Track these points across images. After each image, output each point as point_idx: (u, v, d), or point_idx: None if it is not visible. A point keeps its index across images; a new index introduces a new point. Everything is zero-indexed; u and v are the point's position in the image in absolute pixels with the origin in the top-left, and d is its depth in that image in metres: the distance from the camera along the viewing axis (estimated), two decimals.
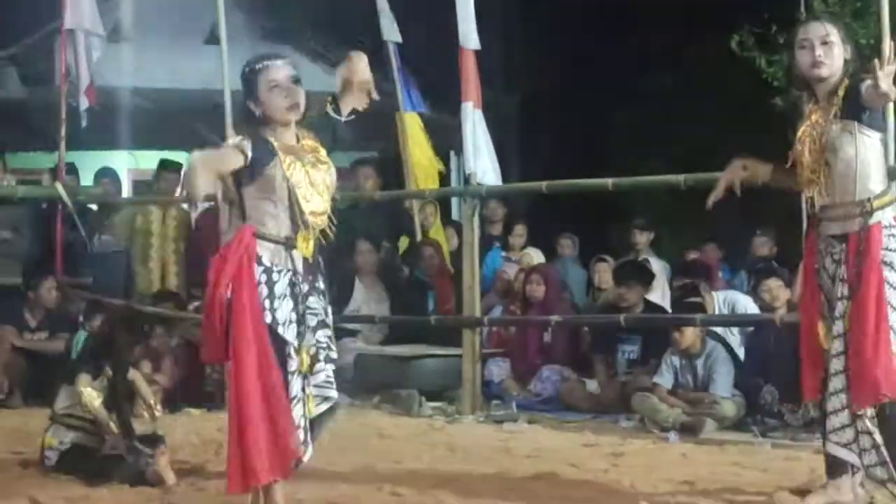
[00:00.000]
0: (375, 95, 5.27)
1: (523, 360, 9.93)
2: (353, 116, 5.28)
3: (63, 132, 11.29)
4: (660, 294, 10.12)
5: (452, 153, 15.56)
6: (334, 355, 5.23)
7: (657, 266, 10.41)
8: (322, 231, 5.20)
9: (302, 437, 5.04)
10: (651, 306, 9.53)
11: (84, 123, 11.20)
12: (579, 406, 9.33)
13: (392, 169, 11.91)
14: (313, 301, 5.12)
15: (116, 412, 6.65)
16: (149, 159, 14.05)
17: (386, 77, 11.81)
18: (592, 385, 9.52)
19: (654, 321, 9.21)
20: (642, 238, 11.14)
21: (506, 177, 10.17)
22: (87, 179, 12.48)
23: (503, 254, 11.47)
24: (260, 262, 4.99)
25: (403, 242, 11.55)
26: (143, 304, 10.29)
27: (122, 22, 14.57)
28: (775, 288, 8.68)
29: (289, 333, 5.01)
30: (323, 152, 5.17)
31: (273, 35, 13.16)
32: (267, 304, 4.97)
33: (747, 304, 9.28)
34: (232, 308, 4.95)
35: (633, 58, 16.91)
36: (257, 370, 4.93)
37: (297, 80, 5.06)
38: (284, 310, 5.00)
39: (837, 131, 5.30)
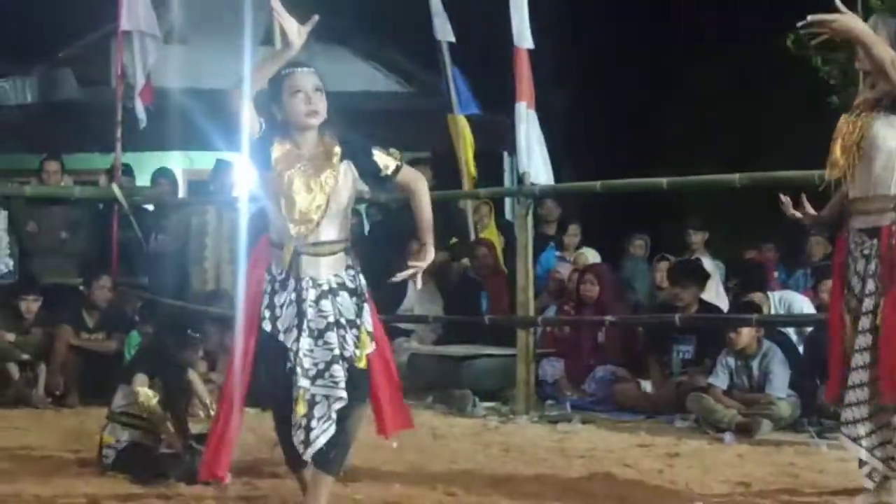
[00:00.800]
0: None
1: (577, 360, 9.91)
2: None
3: (119, 133, 11.38)
4: (714, 294, 10.08)
5: (505, 153, 15.57)
6: (348, 353, 5.22)
7: (711, 266, 10.37)
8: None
9: (302, 436, 5.16)
10: (706, 306, 9.49)
11: (143, 124, 11.27)
12: (633, 406, 9.30)
13: (445, 169, 11.90)
14: (325, 304, 5.19)
15: (172, 412, 6.70)
16: (204, 160, 14.13)
17: (439, 77, 11.85)
18: (647, 385, 9.49)
19: (709, 321, 9.17)
20: (697, 238, 11.09)
21: (558, 176, 10.15)
22: (143, 180, 12.57)
23: (557, 253, 11.44)
24: (269, 271, 5.24)
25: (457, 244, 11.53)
26: (197, 303, 10.35)
27: (177, 24, 14.67)
28: None
29: (289, 339, 5.16)
30: (335, 157, 5.23)
31: (326, 35, 13.19)
32: (268, 313, 5.19)
33: (803, 305, 9.23)
34: (244, 309, 5.27)
35: (687, 55, 16.85)
36: (234, 376, 5.27)
37: (319, 89, 5.18)
38: (287, 317, 5.18)
39: (881, 124, 5.26)
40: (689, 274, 9.66)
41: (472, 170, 11.51)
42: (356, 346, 5.22)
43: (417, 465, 6.86)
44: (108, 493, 6.09)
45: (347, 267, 5.30)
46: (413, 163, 11.99)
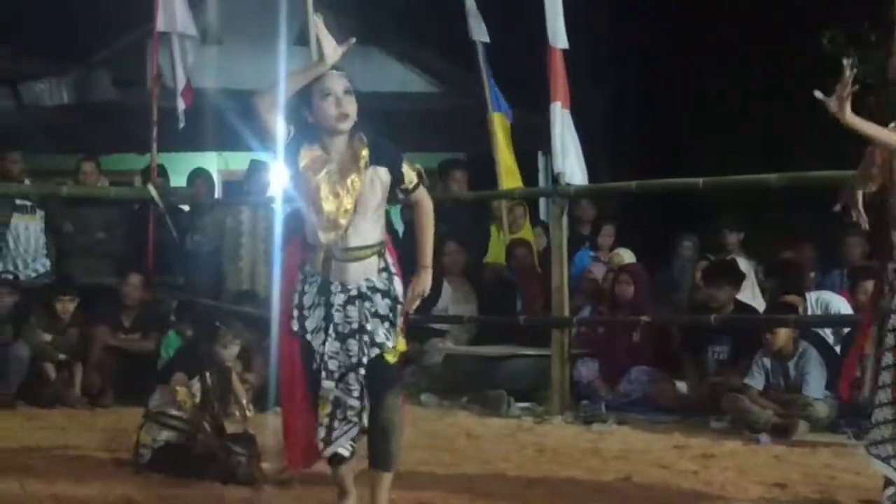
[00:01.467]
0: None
1: (612, 361, 9.88)
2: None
3: (154, 134, 11.42)
4: (750, 294, 10.04)
5: (540, 153, 15.54)
6: (364, 360, 5.18)
7: (746, 266, 10.32)
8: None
9: (323, 434, 5.22)
10: (741, 306, 9.46)
11: (182, 124, 11.31)
12: (669, 407, 9.28)
13: (480, 170, 11.90)
14: (352, 310, 5.18)
15: (209, 411, 6.72)
16: (238, 160, 14.16)
17: (473, 77, 11.84)
18: (682, 386, 9.47)
19: (745, 322, 9.13)
20: (732, 238, 11.03)
21: (592, 176, 10.13)
22: (177, 181, 12.61)
23: (592, 254, 11.42)
24: (302, 270, 5.25)
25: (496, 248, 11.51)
26: (232, 303, 10.38)
27: (212, 24, 14.71)
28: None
29: (316, 341, 5.19)
30: (363, 161, 5.18)
31: (360, 36, 13.19)
32: (296, 313, 5.22)
33: (840, 305, 9.18)
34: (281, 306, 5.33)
35: (722, 54, 16.77)
36: (288, 370, 5.30)
37: (349, 92, 5.16)
38: (315, 318, 5.20)
39: None
40: (724, 274, 9.63)
41: (514, 167, 11.47)
42: (387, 339, 5.18)
43: (452, 465, 6.86)
44: (144, 492, 6.12)
45: (381, 270, 5.24)
46: (448, 165, 12.08)
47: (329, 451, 5.21)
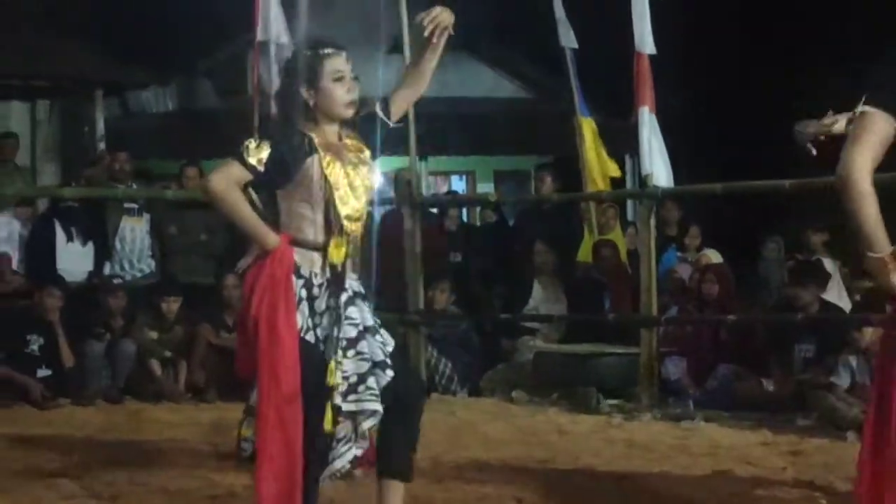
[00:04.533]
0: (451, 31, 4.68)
1: (699, 359, 9.80)
2: (401, 124, 4.81)
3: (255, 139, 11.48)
4: (836, 294, 9.92)
5: (627, 156, 15.46)
6: (387, 360, 4.47)
7: (832, 266, 10.20)
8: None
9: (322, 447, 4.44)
10: (827, 306, 9.34)
11: None
12: (755, 404, 9.18)
13: (569, 172, 11.86)
14: (353, 311, 4.47)
15: None
16: None
17: (562, 83, 11.80)
18: (769, 384, 9.37)
19: (830, 320, 9.02)
20: (817, 238, 10.90)
21: (679, 178, 10.06)
22: None
23: (679, 254, 11.34)
24: (299, 275, 4.40)
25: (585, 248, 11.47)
26: None
27: (309, 33, 14.80)
28: None
29: (328, 349, 4.40)
30: (366, 153, 4.60)
31: (453, 43, 13.22)
32: (309, 322, 4.39)
33: None
34: (263, 324, 4.34)
35: (806, 59, 16.59)
36: (286, 398, 4.30)
37: (357, 78, 4.54)
38: (325, 325, 4.41)
39: None
40: (809, 274, 9.54)
41: (612, 169, 11.36)
42: (383, 353, 4.48)
43: (543, 460, 6.84)
44: (247, 484, 6.14)
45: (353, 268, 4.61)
46: (537, 168, 12.06)
47: (326, 473, 4.50)
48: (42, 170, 14.68)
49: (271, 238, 4.39)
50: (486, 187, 16.78)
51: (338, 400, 4.37)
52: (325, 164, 4.43)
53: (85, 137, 14.75)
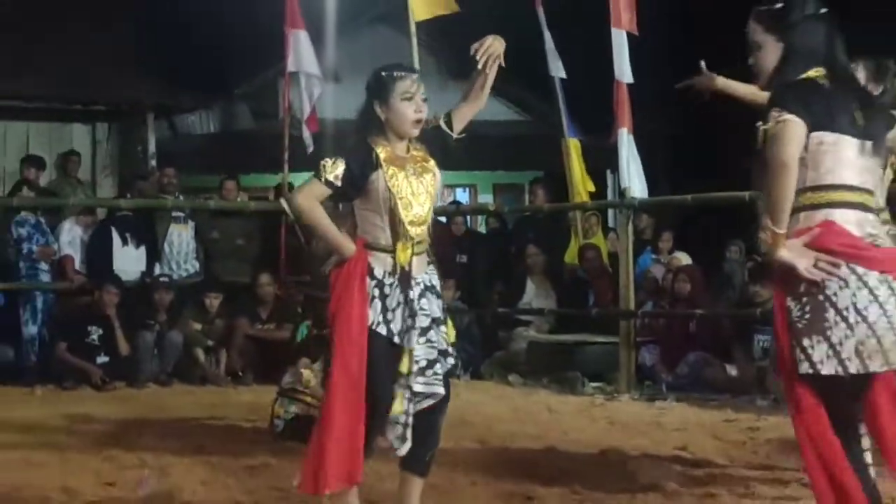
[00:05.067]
0: (502, 62, 4.58)
1: (671, 348, 9.81)
2: (463, 134, 4.68)
3: (286, 157, 11.52)
4: None
5: (608, 171, 15.44)
6: (448, 349, 4.51)
7: None
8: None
9: (399, 432, 4.38)
10: None
11: (311, 149, 11.37)
12: (720, 387, 9.19)
13: (559, 185, 11.88)
14: (424, 303, 4.44)
15: None
16: None
17: (552, 107, 11.82)
18: (732, 369, 9.37)
19: None
20: None
21: (653, 191, 10.09)
22: None
23: (653, 257, 11.35)
24: (372, 276, 4.38)
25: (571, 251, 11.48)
26: None
27: (333, 65, 14.80)
28: None
29: (405, 341, 4.37)
30: (431, 162, 4.55)
31: (457, 74, 13.26)
32: (381, 317, 4.34)
33: None
34: (338, 317, 4.36)
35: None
36: (352, 382, 4.30)
37: (426, 99, 4.47)
38: (398, 319, 4.37)
39: None
40: (767, 274, 9.52)
41: (589, 185, 11.42)
42: (446, 343, 4.52)
43: (536, 435, 6.85)
44: (280, 457, 6.17)
45: (429, 263, 4.58)
46: (531, 182, 12.06)
47: (405, 448, 4.40)
48: (101, 183, 14.69)
49: (349, 246, 4.39)
50: (485, 198, 16.85)
51: (412, 381, 4.37)
52: (388, 177, 4.39)
53: (138, 155, 14.76)
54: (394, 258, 4.41)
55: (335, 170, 4.39)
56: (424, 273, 4.51)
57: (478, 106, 4.70)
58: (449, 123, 4.63)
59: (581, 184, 11.40)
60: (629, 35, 9.36)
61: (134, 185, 11.87)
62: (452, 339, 4.55)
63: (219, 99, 16.73)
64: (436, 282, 4.55)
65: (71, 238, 10.68)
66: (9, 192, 11.38)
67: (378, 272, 4.39)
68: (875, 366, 3.56)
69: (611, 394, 9.02)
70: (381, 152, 4.41)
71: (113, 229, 10.71)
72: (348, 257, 4.39)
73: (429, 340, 4.43)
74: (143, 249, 10.80)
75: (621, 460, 6.09)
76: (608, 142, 9.82)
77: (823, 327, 3.53)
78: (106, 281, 10.01)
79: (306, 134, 11.35)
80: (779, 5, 3.80)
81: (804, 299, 3.58)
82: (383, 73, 4.49)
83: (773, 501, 5.15)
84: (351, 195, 4.45)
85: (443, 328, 4.50)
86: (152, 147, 14.78)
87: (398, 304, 4.38)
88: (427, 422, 4.45)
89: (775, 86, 3.76)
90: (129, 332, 9.84)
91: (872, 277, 3.55)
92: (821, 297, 3.55)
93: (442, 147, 4.62)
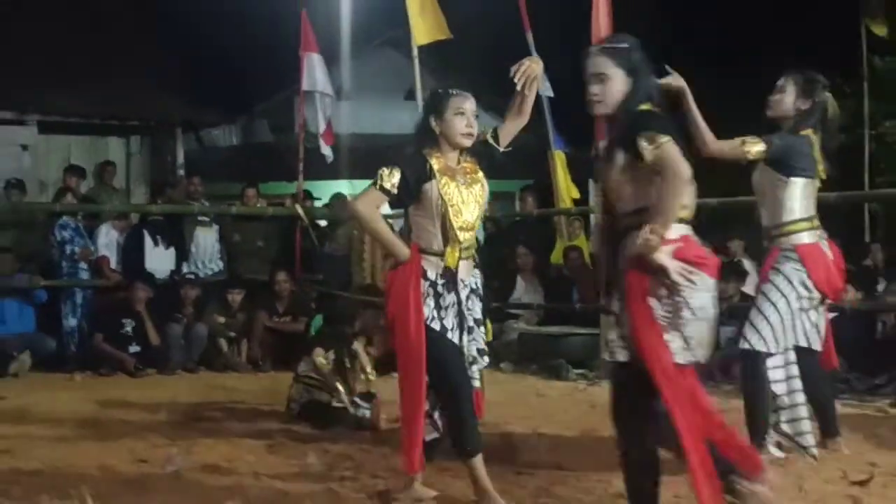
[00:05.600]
0: (539, 86, 4.74)
1: None
2: (510, 148, 4.77)
3: (301, 167, 11.52)
4: (752, 287, 9.90)
5: (591, 180, 15.43)
6: (485, 348, 4.66)
7: (750, 266, 10.20)
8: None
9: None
10: (746, 297, 9.34)
11: (330, 159, 11.38)
12: None
13: (546, 193, 11.88)
14: (471, 304, 4.55)
15: (341, 375, 6.75)
16: (361, 186, 14.24)
17: (540, 122, 11.81)
18: None
19: (748, 308, 9.00)
20: (737, 244, 10.89)
21: None
22: (320, 202, 12.71)
23: None
24: (425, 277, 4.42)
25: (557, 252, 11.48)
26: (359, 294, 10.42)
27: (344, 84, 14.82)
28: None
29: (455, 336, 4.46)
30: (480, 173, 4.61)
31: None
32: (435, 313, 4.40)
33: None
34: (398, 318, 4.42)
35: (720, 104, 16.51)
36: (411, 379, 4.43)
37: (477, 115, 4.58)
38: (450, 317, 4.44)
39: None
40: (731, 272, 9.53)
41: (574, 192, 11.43)
42: (483, 342, 4.65)
43: (525, 417, 6.84)
44: (295, 436, 6.18)
45: (475, 267, 4.66)
46: (524, 189, 12.07)
47: (433, 434, 4.60)
48: (134, 190, 14.69)
49: (404, 251, 4.43)
50: None
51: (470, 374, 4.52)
52: (441, 186, 4.43)
53: (168, 165, 14.77)
54: (442, 260, 4.45)
55: (392, 178, 4.42)
56: (471, 276, 4.58)
57: (521, 122, 4.74)
58: (496, 138, 4.69)
59: (566, 191, 11.41)
60: None
61: (164, 192, 11.85)
62: (490, 338, 4.69)
63: (241, 115, 16.76)
64: (479, 285, 4.63)
65: (107, 240, 10.67)
66: (53, 199, 11.38)
67: (431, 274, 4.43)
68: (705, 356, 3.85)
69: (592, 380, 9.01)
70: (435, 163, 4.45)
71: (145, 232, 10.70)
72: (403, 260, 4.43)
73: (474, 339, 4.55)
74: (171, 250, 10.79)
75: (601, 439, 6.08)
76: (590, 153, 9.80)
77: (679, 324, 3.71)
78: (138, 278, 10.01)
79: (324, 147, 11.37)
80: (624, 45, 3.93)
81: (664, 300, 3.70)
82: (439, 91, 4.57)
83: None
84: (405, 202, 4.49)
85: (481, 328, 4.60)
86: (180, 158, 14.80)
87: (451, 304, 4.45)
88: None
89: (627, 113, 3.85)
90: (159, 325, 9.82)
91: (712, 283, 3.77)
92: (678, 298, 3.69)
93: (489, 159, 4.67)
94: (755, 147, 5.04)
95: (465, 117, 4.48)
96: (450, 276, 4.46)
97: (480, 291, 4.64)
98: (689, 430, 3.72)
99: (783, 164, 5.11)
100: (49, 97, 13.40)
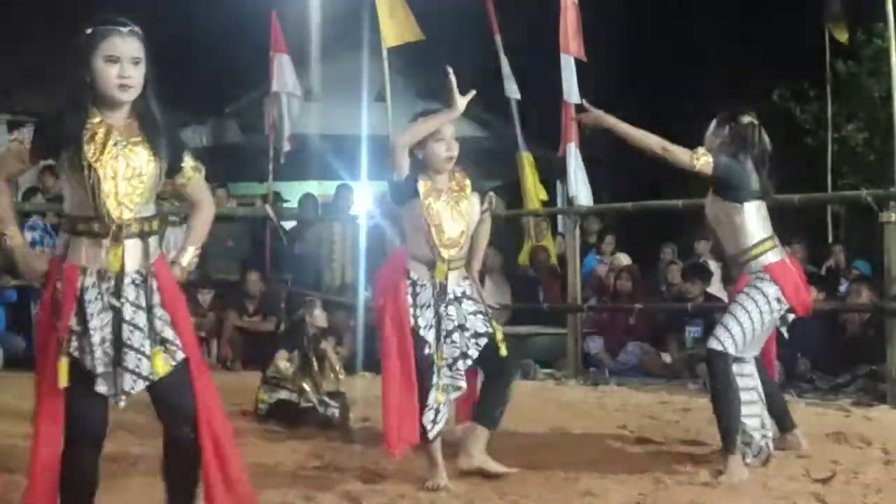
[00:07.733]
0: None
1: (613, 338, 9.86)
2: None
3: (271, 168, 11.49)
4: (717, 287, 9.99)
5: (558, 181, 15.50)
6: (471, 353, 4.78)
7: (715, 267, 10.27)
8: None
9: (432, 416, 4.70)
10: (710, 297, 9.41)
11: (282, 161, 11.36)
12: (656, 372, 9.24)
13: (514, 194, 11.91)
14: (451, 311, 4.72)
15: (310, 375, 6.73)
16: (332, 187, 14.21)
17: (509, 125, 11.84)
18: (666, 357, 9.43)
19: (712, 308, 9.08)
20: (702, 246, 10.97)
21: (599, 198, 10.13)
22: (289, 203, 12.67)
23: (597, 257, 11.39)
24: (409, 277, 4.71)
25: (525, 252, 11.52)
26: (328, 294, 10.40)
27: (313, 85, 14.76)
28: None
29: (429, 335, 4.69)
30: (468, 189, 4.81)
31: (425, 95, 13.25)
32: (412, 311, 4.67)
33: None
34: (385, 310, 4.71)
35: (689, 107, 16.61)
36: (398, 364, 4.66)
37: (456, 138, 4.73)
38: (426, 316, 4.68)
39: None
40: (697, 273, 9.61)
41: (542, 194, 11.48)
42: (487, 327, 4.79)
43: None
44: (264, 436, 6.17)
45: (465, 277, 4.86)
46: (491, 190, 12.07)
47: (436, 430, 4.71)
48: None
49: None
50: None
51: (443, 373, 4.72)
52: (424, 207, 4.69)
53: None
54: (429, 270, 4.72)
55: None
56: (457, 285, 4.78)
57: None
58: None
59: (534, 192, 11.45)
60: (577, 60, 9.37)
61: None
62: (500, 336, 4.83)
63: (211, 116, 16.66)
64: (469, 292, 4.84)
65: None
66: (21, 198, 11.27)
67: (413, 275, 4.72)
68: None
69: (560, 379, 9.05)
70: (422, 186, 4.70)
71: None
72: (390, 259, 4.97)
73: (453, 342, 4.73)
74: None
75: (569, 437, 6.12)
76: (557, 155, 9.84)
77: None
78: None
79: (286, 149, 11.35)
80: None
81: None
82: (420, 118, 4.75)
83: (698, 468, 5.22)
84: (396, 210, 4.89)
85: (466, 333, 4.75)
86: None
87: (427, 304, 4.70)
88: (489, 389, 4.87)
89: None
90: None
91: None
92: None
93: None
94: (703, 159, 5.08)
95: (444, 142, 4.69)
96: (439, 287, 4.73)
97: (470, 297, 4.84)
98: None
99: (731, 189, 5.16)
100: (17, 96, 13.27)
